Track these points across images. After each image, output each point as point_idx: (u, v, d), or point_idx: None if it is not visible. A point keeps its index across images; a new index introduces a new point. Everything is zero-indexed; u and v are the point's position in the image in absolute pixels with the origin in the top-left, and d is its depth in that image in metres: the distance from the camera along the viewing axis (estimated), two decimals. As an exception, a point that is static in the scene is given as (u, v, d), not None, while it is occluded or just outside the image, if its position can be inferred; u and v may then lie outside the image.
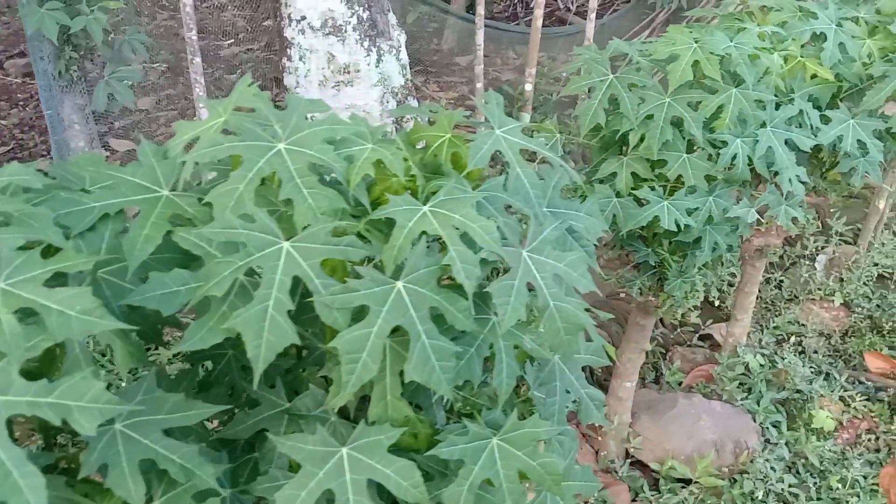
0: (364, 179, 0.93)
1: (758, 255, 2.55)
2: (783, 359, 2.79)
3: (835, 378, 2.72)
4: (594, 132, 1.88)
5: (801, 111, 1.85)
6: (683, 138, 1.75)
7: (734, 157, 1.75)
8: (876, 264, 3.30)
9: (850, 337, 3.06)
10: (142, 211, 0.92)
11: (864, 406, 2.67)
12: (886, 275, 3.39)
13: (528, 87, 4.76)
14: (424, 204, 0.93)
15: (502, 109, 1.08)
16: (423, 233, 0.90)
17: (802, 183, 1.88)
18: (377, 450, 0.90)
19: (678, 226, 1.71)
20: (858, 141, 1.96)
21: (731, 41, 1.76)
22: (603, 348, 1.19)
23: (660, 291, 1.97)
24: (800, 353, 2.95)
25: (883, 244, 3.45)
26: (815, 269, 3.42)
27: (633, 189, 1.81)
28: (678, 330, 3.10)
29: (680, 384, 2.81)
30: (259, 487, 0.96)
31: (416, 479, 0.90)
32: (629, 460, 2.49)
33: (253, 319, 0.82)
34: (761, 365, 2.76)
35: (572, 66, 1.89)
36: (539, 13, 4.85)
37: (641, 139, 1.75)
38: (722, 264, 2.00)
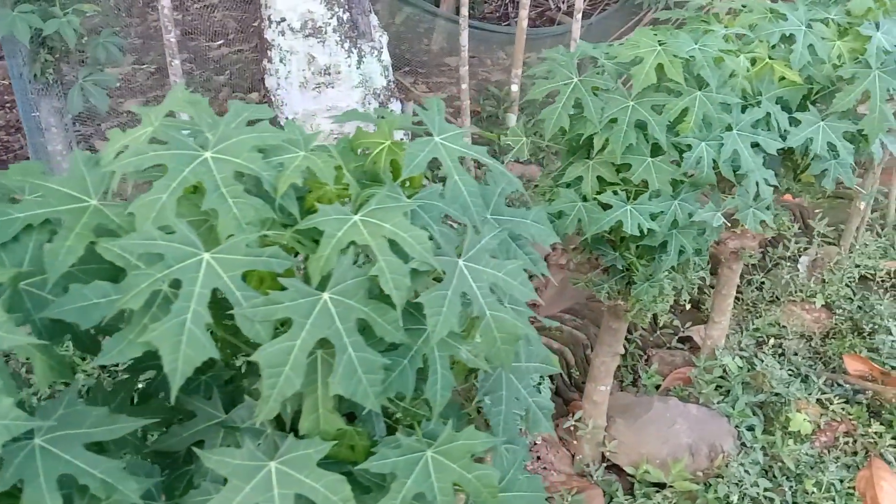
0: (294, 188, 0.92)
1: (733, 258, 2.54)
2: (762, 361, 2.78)
3: (813, 381, 2.70)
4: (562, 136, 1.87)
5: (768, 114, 1.84)
6: (648, 142, 1.73)
7: (699, 161, 1.73)
8: (857, 266, 3.29)
9: (830, 339, 3.05)
10: (66, 221, 0.90)
11: (843, 409, 2.65)
12: (869, 276, 3.38)
13: (515, 87, 4.75)
14: (356, 213, 0.91)
15: (443, 116, 1.07)
16: (352, 243, 0.88)
17: (771, 186, 1.86)
18: (306, 464, 0.89)
19: (641, 230, 1.70)
20: (829, 143, 1.95)
21: (696, 44, 1.74)
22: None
23: (628, 295, 1.95)
24: (779, 355, 2.94)
25: (865, 245, 3.43)
26: (798, 270, 3.41)
27: (598, 193, 1.80)
28: (658, 332, 3.09)
29: (658, 387, 2.79)
30: (190, 501, 0.95)
31: (345, 494, 0.88)
32: (605, 464, 2.47)
33: (170, 333, 0.80)
34: (739, 367, 2.75)
35: (538, 69, 1.88)
36: (524, 14, 4.84)
37: (606, 143, 1.74)
38: (692, 267, 1.99)
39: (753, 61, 1.85)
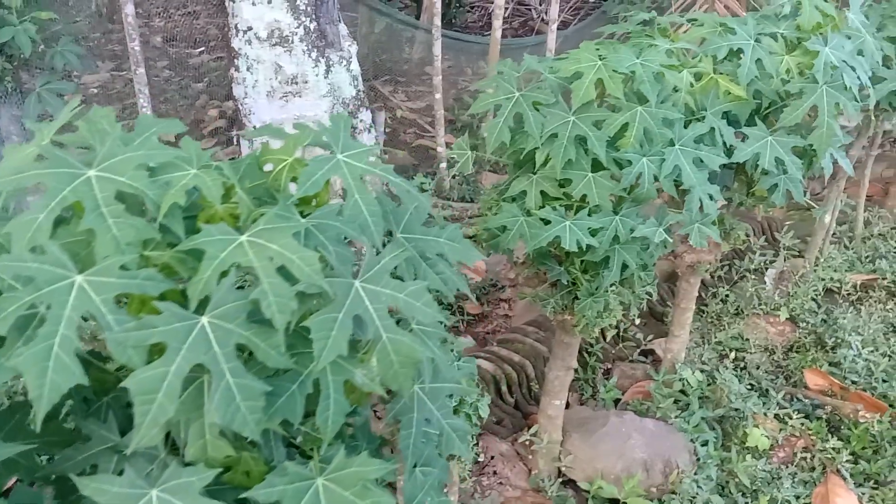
0: (180, 206, 0.90)
1: (690, 272, 2.53)
2: (722, 375, 2.77)
3: (772, 395, 2.69)
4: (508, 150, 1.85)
5: (712, 129, 1.83)
6: (588, 157, 1.72)
7: (639, 176, 1.72)
8: (822, 279, 3.29)
9: (793, 352, 3.04)
10: (-57, 240, 0.88)
11: (802, 424, 2.64)
12: (835, 289, 3.38)
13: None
14: (245, 233, 0.89)
15: (348, 132, 1.05)
16: (236, 264, 0.86)
17: (717, 201, 1.85)
18: (189, 492, 0.86)
19: (580, 246, 1.68)
20: (777, 158, 1.94)
21: (638, 59, 1.73)
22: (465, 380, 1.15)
23: (574, 310, 1.94)
24: (741, 368, 2.93)
25: (832, 258, 3.43)
26: (765, 282, 3.40)
27: (541, 207, 1.78)
28: (620, 345, 3.07)
29: (618, 401, 2.77)
30: (76, 529, 0.92)
31: (227, 523, 0.86)
32: (560, 479, 2.45)
33: (36, 358, 0.78)
34: (699, 381, 2.73)
35: (483, 83, 1.86)
36: (497, 24, 4.84)
37: (548, 158, 1.72)
38: (637, 282, 1.97)
39: (698, 76, 1.84)
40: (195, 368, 0.83)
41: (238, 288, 0.85)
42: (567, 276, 1.90)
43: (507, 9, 8.49)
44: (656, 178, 1.73)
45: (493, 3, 9.05)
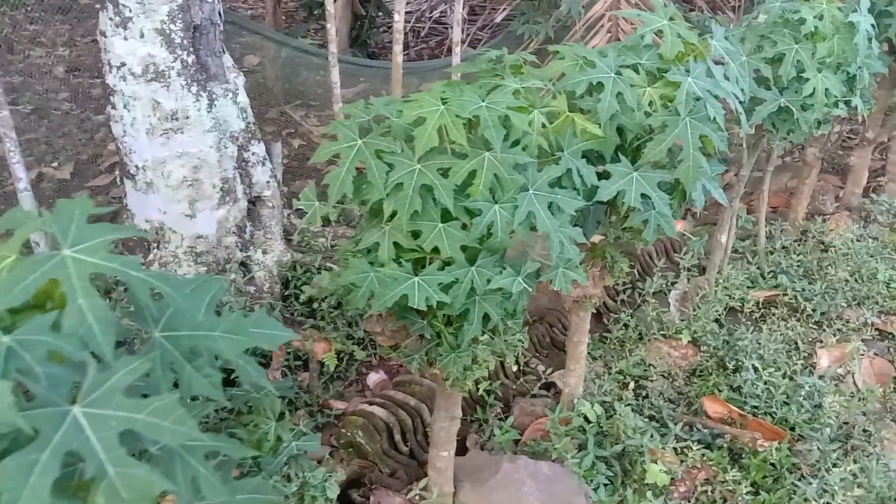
0: None
1: (577, 307, 2.44)
2: (623, 406, 2.69)
3: (671, 427, 2.62)
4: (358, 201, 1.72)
5: (569, 170, 1.74)
6: (438, 207, 1.61)
7: (492, 225, 1.61)
8: (720, 300, 3.25)
9: (696, 377, 2.99)
10: None
11: (703, 454, 2.57)
12: (737, 308, 3.35)
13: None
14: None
15: (85, 219, 0.90)
16: None
17: (580, 243, 1.76)
18: None
19: (429, 304, 1.56)
20: (643, 195, 1.86)
21: (483, 101, 1.63)
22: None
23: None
24: (643, 397, 2.86)
25: (733, 276, 3.40)
26: (669, 304, 3.35)
27: (395, 260, 1.66)
28: (521, 379, 2.97)
29: (517, 441, 2.66)
30: None
31: None
32: (454, 534, 2.32)
33: None
34: (598, 416, 2.64)
35: (327, 129, 1.73)
36: (398, 49, 4.73)
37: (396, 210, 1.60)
38: (505, 331, 1.86)
39: (552, 116, 1.74)
40: None
41: None
42: (430, 329, 1.78)
43: (423, 28, 8.43)
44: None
45: (409, 22, 8.95)
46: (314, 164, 5.31)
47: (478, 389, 2.76)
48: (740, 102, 2.06)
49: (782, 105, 2.56)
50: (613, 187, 1.83)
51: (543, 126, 1.69)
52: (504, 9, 6.51)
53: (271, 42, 5.19)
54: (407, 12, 7.98)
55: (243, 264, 3.75)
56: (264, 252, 3.80)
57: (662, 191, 1.90)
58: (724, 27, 2.06)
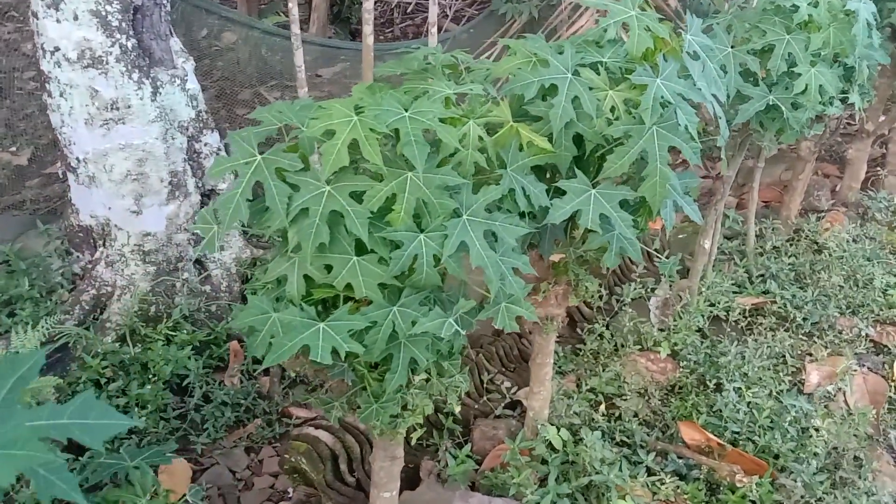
0: None
1: (538, 329, 2.20)
2: (592, 431, 2.46)
3: (642, 456, 2.39)
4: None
5: (511, 190, 1.48)
6: (351, 237, 1.36)
7: (416, 259, 1.36)
8: (702, 311, 3.01)
9: (674, 395, 2.76)
10: None
11: (677, 487, 2.35)
12: (722, 316, 3.11)
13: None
14: None
15: None
16: None
17: (524, 273, 1.51)
18: None
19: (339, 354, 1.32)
20: (602, 215, 1.61)
21: (407, 111, 1.37)
22: None
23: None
24: (615, 418, 2.63)
25: (718, 282, 3.16)
26: (649, 312, 3.12)
27: (305, 297, 1.42)
28: (484, 397, 2.74)
29: (477, 470, 2.44)
30: None
31: None
32: (399, 578, 2.11)
33: None
34: (564, 442, 2.42)
35: (234, 134, 1.48)
36: (368, 29, 4.44)
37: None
38: (445, 372, 1.62)
39: (489, 127, 1.48)
40: None
41: None
42: (353, 374, 1.54)
43: (410, 4, 8.08)
44: (438, 260, 1.38)
45: (393, -3, 8.59)
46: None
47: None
48: (720, 104, 1.80)
49: (770, 103, 2.30)
50: (567, 208, 1.57)
51: (481, 139, 1.43)
52: (488, -15, 6.18)
53: (236, 24, 4.88)
54: (393, -14, 7.66)
55: (198, 262, 3.50)
56: (221, 249, 3.55)
57: (626, 210, 1.65)
58: (708, 13, 1.79)
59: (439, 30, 7.20)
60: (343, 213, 1.32)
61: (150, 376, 2.86)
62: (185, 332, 3.09)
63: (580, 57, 1.65)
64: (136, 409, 2.74)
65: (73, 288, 3.44)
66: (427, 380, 1.60)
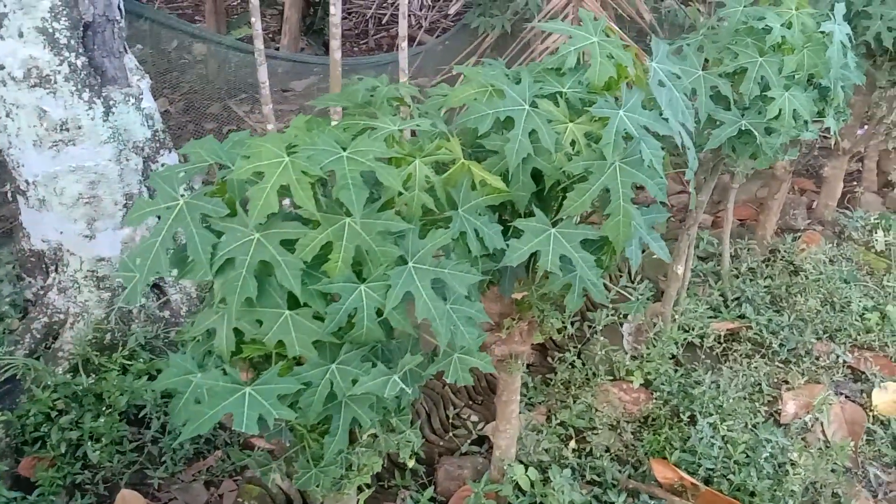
0: None
1: (503, 367, 2.09)
2: (562, 470, 2.35)
3: (611, 497, 2.28)
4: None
5: (463, 233, 1.37)
6: (283, 289, 1.24)
7: (354, 314, 1.25)
8: (675, 339, 2.91)
9: (647, 428, 2.65)
10: None
11: (649, 529, 2.24)
12: (696, 343, 3.02)
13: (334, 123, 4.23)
14: None
15: None
16: None
17: (479, 322, 1.40)
18: None
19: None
20: (563, 255, 1.50)
21: (345, 150, 1.26)
22: None
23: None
24: (586, 454, 2.52)
25: (691, 309, 3.07)
26: (622, 339, 3.02)
27: (235, 354, 1.29)
28: (449, 433, 2.62)
29: (440, 512, 2.32)
30: None
31: None
32: None
33: None
34: (532, 482, 2.30)
35: (153, 178, 1.35)
36: (336, 44, 4.32)
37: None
38: (398, 426, 1.51)
39: (438, 165, 1.37)
40: None
41: None
42: (290, 434, 1.42)
43: (384, 16, 7.97)
44: (380, 313, 1.26)
45: (369, 8, 8.50)
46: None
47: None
48: (689, 134, 1.70)
49: (743, 128, 2.21)
50: (525, 249, 1.47)
51: (428, 179, 1.32)
52: (458, -1, 6.07)
53: (198, 39, 4.74)
54: (368, -3, 7.55)
55: (157, 287, 3.36)
56: (178, 275, 3.40)
57: (589, 249, 1.54)
58: (684, 26, 1.69)
59: (413, 41, 7.10)
60: (273, 263, 1.20)
61: (105, 408, 2.72)
62: (141, 360, 2.96)
63: (538, 87, 1.55)
64: (91, 442, 2.61)
65: (23, 315, 3.29)
66: (374, 436, 1.48)
